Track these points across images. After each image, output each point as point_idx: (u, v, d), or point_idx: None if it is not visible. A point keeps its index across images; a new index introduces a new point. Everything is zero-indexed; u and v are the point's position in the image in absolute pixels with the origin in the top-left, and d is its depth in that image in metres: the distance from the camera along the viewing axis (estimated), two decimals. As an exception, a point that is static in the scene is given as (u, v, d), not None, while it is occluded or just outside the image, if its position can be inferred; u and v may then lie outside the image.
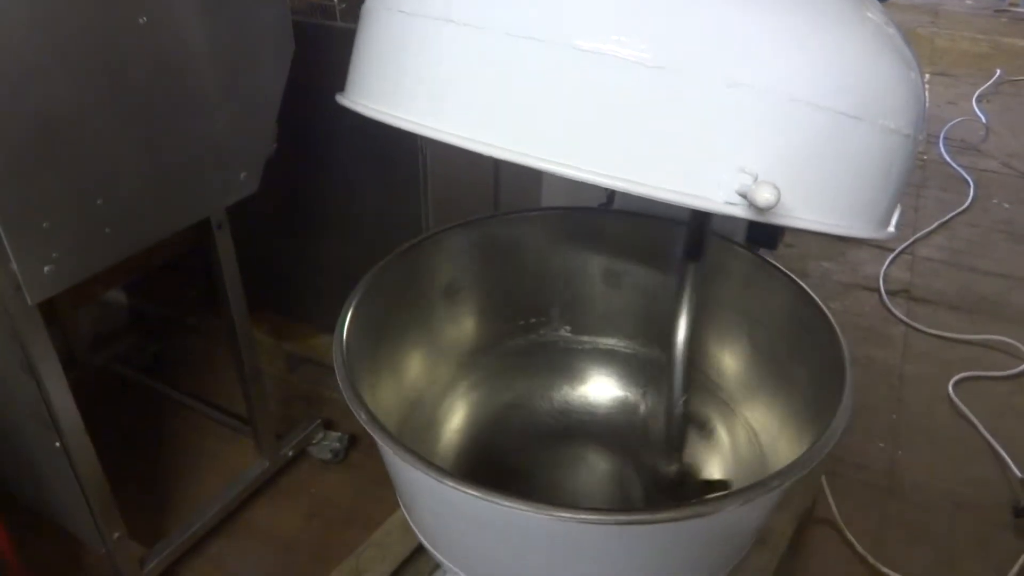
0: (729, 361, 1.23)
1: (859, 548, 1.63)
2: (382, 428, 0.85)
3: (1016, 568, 1.59)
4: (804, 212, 0.74)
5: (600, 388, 1.31)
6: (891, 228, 0.87)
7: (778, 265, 1.14)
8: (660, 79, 0.71)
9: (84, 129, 1.08)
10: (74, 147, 1.07)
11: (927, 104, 0.85)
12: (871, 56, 0.78)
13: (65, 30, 1.01)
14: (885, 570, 1.59)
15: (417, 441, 1.14)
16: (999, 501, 1.77)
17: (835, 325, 1.01)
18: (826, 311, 1.04)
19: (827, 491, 1.71)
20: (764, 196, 0.68)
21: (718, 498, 0.81)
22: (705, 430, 1.22)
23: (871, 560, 1.61)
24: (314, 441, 1.81)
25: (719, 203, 0.72)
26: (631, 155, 0.73)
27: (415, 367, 1.18)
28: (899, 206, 0.88)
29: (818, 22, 0.76)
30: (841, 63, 0.75)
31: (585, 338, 1.33)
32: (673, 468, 1.14)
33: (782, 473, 0.82)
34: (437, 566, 1.39)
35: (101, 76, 1.07)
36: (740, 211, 0.71)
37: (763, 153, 0.72)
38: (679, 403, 1.09)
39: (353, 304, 1.04)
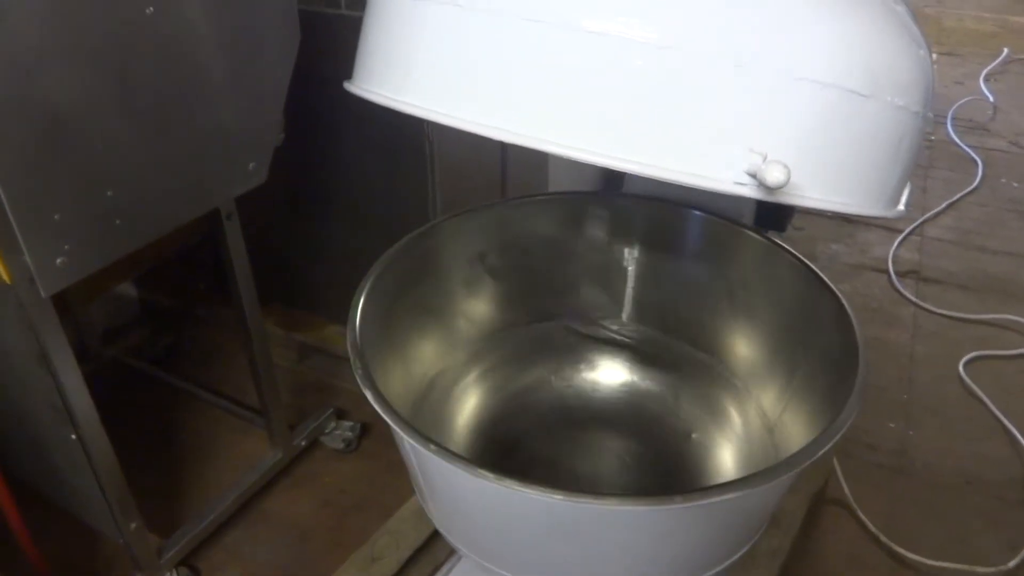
0: (741, 345, 1.23)
1: (871, 527, 1.64)
2: (396, 415, 0.85)
3: (1028, 545, 1.59)
4: (813, 191, 0.74)
5: (611, 374, 1.31)
6: (900, 207, 0.87)
7: (789, 248, 1.14)
8: (667, 60, 0.71)
9: (93, 120, 1.08)
10: (83, 139, 1.08)
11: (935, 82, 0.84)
12: (879, 34, 0.78)
13: (73, 21, 1.01)
14: (898, 549, 1.59)
15: (431, 427, 1.15)
16: (1010, 479, 1.77)
17: (848, 308, 1.00)
18: (839, 294, 1.03)
19: (839, 471, 1.71)
20: (774, 175, 0.68)
21: (733, 482, 0.81)
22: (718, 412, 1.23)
23: (883, 539, 1.61)
24: (326, 431, 1.82)
25: (728, 183, 0.72)
26: (640, 137, 0.73)
27: (427, 354, 1.18)
28: (909, 184, 0.88)
29: (825, 0, 0.76)
30: (849, 41, 0.75)
31: (595, 324, 1.33)
32: None
33: (798, 455, 0.83)
34: (452, 552, 1.40)
35: (109, 67, 1.08)
36: (750, 191, 0.72)
37: (772, 132, 0.72)
38: None
39: (364, 292, 1.04)
